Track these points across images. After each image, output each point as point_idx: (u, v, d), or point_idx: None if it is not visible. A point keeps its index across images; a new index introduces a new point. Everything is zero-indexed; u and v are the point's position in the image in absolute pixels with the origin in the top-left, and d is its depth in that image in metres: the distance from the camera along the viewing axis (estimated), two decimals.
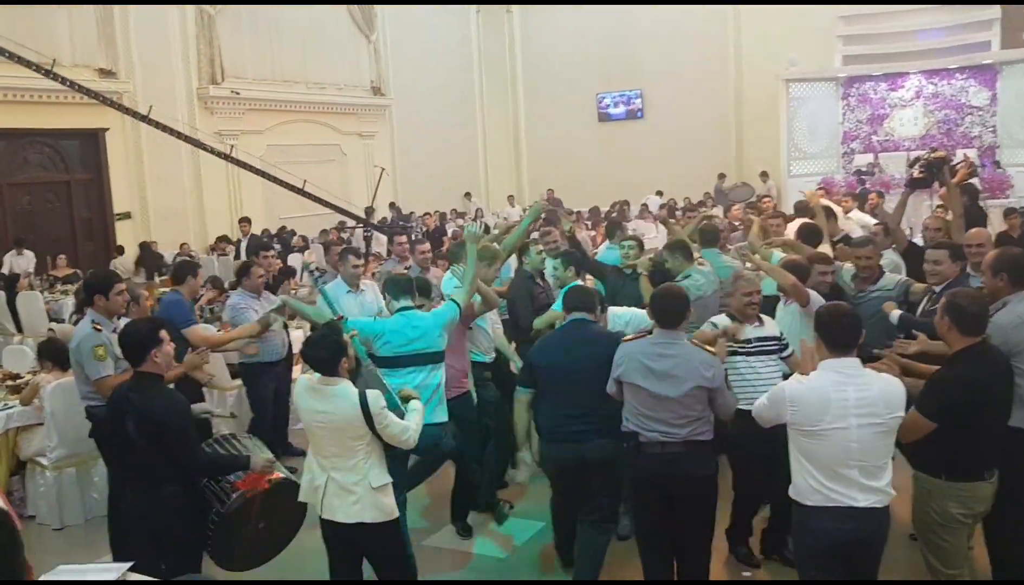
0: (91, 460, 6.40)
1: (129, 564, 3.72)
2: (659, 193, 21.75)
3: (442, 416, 5.05)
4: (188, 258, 13.87)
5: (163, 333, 4.28)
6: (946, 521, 3.98)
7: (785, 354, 5.02)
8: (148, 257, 16.32)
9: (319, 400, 4.03)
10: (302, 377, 4.19)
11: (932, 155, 7.57)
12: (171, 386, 5.07)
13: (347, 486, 4.02)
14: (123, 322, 5.32)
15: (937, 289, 5.29)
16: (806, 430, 3.67)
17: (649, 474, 4.30)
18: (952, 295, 4.11)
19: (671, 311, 4.35)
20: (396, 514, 4.14)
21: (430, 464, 5.56)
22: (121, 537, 5.18)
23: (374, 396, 3.99)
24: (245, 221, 15.59)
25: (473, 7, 25.93)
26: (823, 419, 3.62)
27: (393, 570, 4.26)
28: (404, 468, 5.05)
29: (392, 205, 21.54)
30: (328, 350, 4.05)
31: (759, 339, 5.01)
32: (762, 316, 5.11)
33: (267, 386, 7.16)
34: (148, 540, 4.22)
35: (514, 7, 26.41)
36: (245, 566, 4.37)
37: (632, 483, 4.50)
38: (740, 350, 4.95)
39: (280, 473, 4.45)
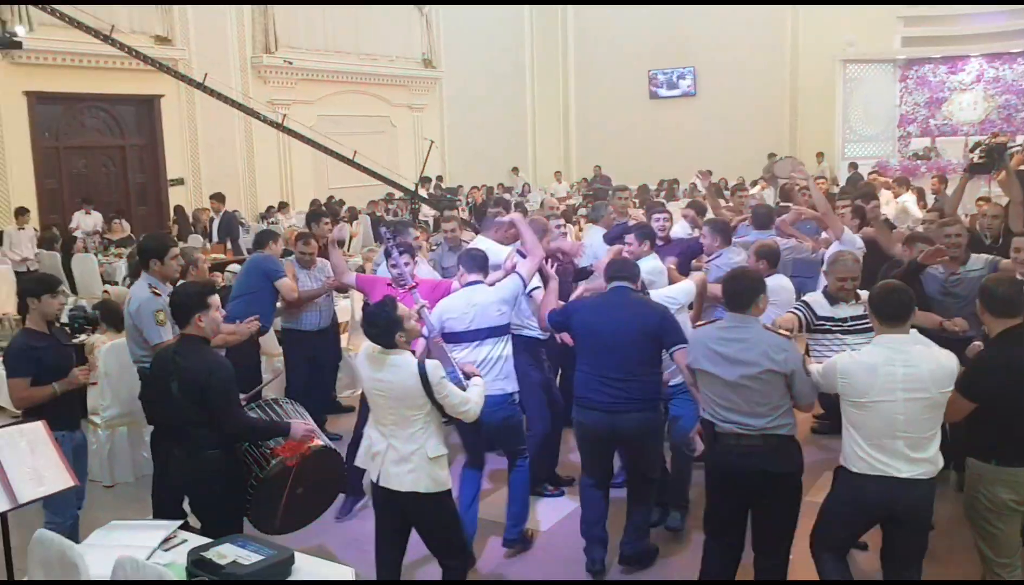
0: (142, 420, 6.50)
1: (180, 522, 3.82)
2: (708, 172, 21.47)
3: (511, 386, 5.12)
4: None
5: (212, 299, 4.33)
6: (996, 507, 3.97)
7: None
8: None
9: (379, 369, 4.06)
10: (366, 344, 4.21)
11: (993, 140, 7.41)
12: (222, 350, 5.22)
13: (405, 455, 4.06)
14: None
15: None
16: (854, 401, 3.82)
17: (723, 466, 4.15)
18: (985, 279, 4.24)
19: (741, 293, 4.18)
20: (448, 485, 4.16)
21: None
22: (161, 496, 5.32)
23: (433, 365, 4.01)
24: (217, 198, 14.31)
25: None
26: (870, 392, 3.75)
27: (441, 541, 4.28)
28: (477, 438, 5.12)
29: (438, 179, 21.52)
30: (380, 325, 4.07)
31: (855, 317, 4.99)
32: (859, 292, 5.01)
33: (301, 354, 7.22)
34: (191, 501, 4.35)
35: None
36: (283, 530, 4.42)
37: (708, 474, 4.33)
38: (834, 328, 4.96)
39: (320, 441, 4.49)
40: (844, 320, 5.01)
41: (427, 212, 17.35)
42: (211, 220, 14.48)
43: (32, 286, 4.87)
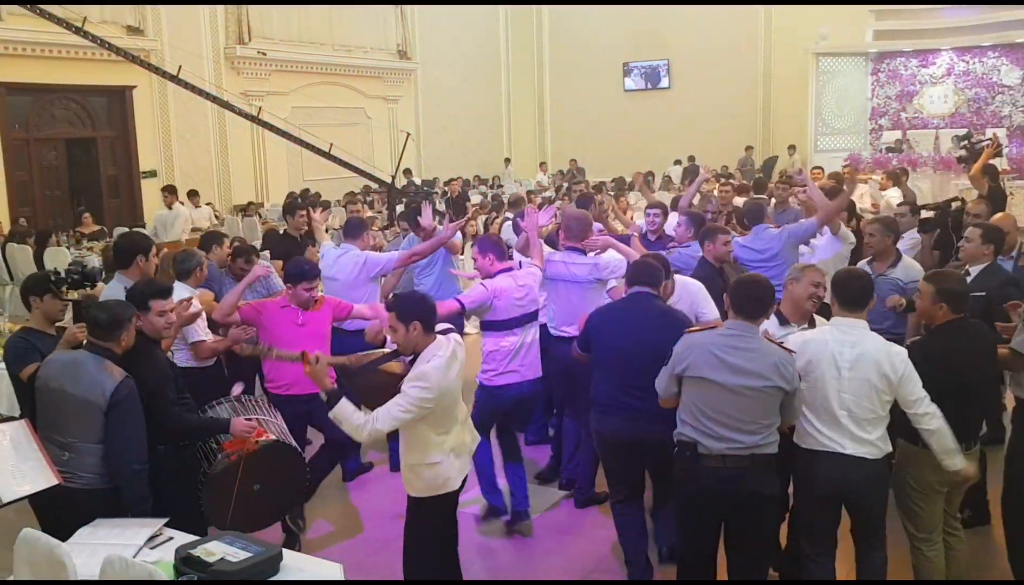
0: None
1: (165, 519, 3.80)
2: (678, 162, 21.62)
3: (540, 371, 5.33)
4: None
5: (155, 303, 4.30)
6: (921, 488, 4.14)
7: None
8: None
9: (455, 363, 4.04)
10: (435, 364, 3.97)
11: (980, 141, 7.57)
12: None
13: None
14: None
15: (971, 270, 5.27)
16: (804, 375, 3.90)
17: (706, 489, 3.86)
18: (932, 274, 4.32)
19: (754, 299, 3.93)
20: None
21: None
22: None
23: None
24: (169, 190, 14.04)
25: None
26: (818, 366, 3.89)
27: None
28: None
29: (407, 172, 21.38)
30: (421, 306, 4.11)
31: None
32: (816, 316, 4.55)
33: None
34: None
35: None
36: (244, 528, 4.34)
37: (684, 497, 4.04)
38: None
39: (271, 434, 4.46)
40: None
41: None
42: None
43: (33, 284, 4.74)
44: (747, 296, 3.94)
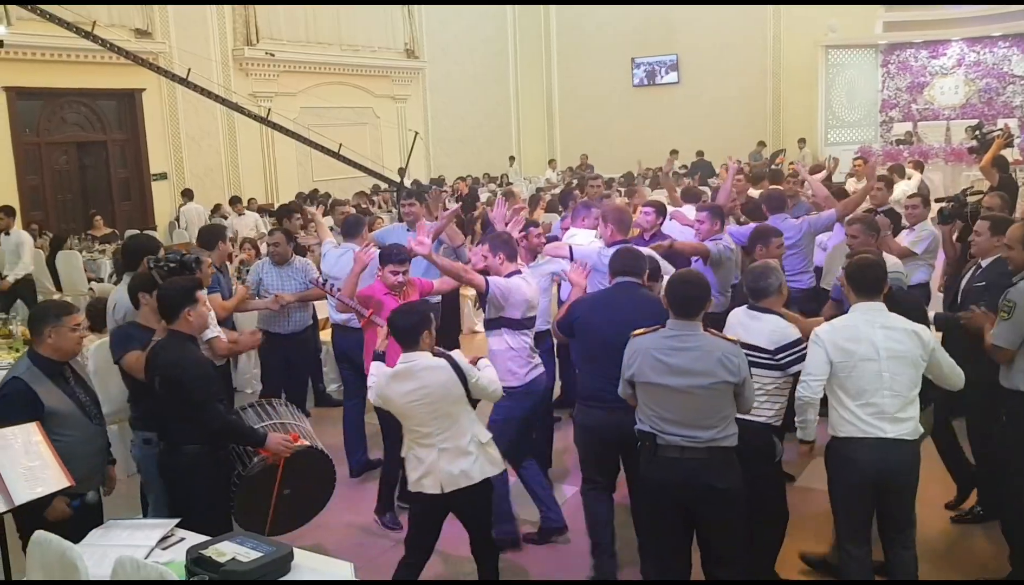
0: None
1: (177, 520, 3.82)
2: (675, 152, 21.41)
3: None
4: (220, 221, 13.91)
5: (199, 294, 4.36)
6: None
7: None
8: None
9: (407, 381, 4.03)
10: (381, 368, 4.18)
11: (990, 131, 7.53)
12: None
13: (462, 448, 4.07)
14: None
15: (983, 263, 5.25)
16: (840, 364, 3.94)
17: (664, 482, 3.87)
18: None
19: (690, 298, 3.88)
20: (503, 464, 4.34)
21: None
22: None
23: (458, 355, 4.15)
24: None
25: None
26: (855, 353, 3.92)
27: (485, 525, 4.32)
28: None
29: (400, 171, 20.89)
30: (413, 319, 4.11)
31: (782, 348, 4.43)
32: (785, 309, 4.52)
33: (274, 356, 6.99)
34: (171, 497, 4.37)
35: None
36: (273, 531, 4.39)
37: (643, 487, 4.10)
38: (761, 360, 4.34)
39: (305, 441, 4.50)
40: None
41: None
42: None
43: (141, 282, 4.77)
44: (682, 295, 3.91)
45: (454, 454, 4.06)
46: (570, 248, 5.86)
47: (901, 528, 4.08)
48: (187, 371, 4.13)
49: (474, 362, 4.32)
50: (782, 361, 4.22)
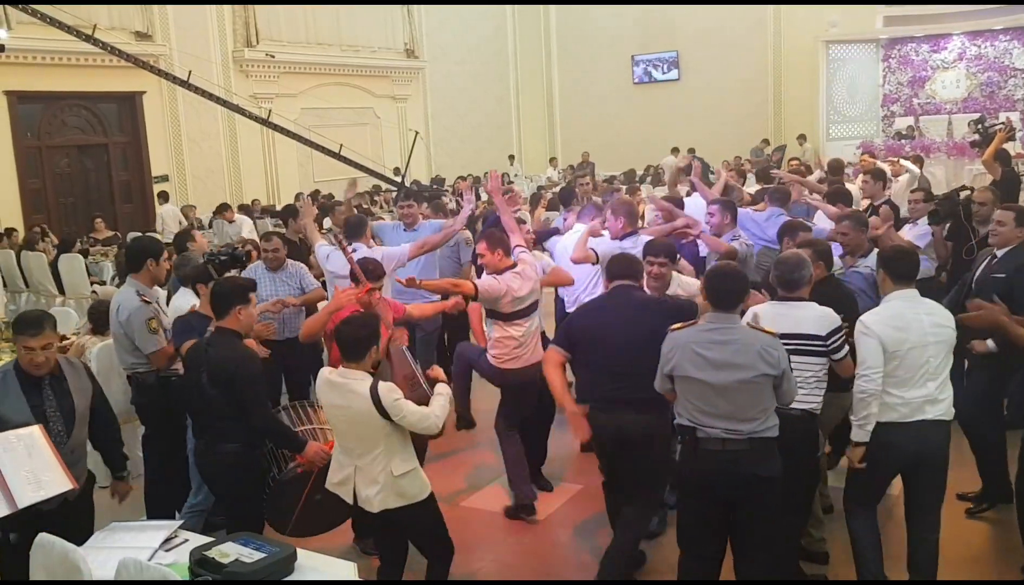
0: (134, 419, 6.50)
1: (180, 521, 3.82)
2: (675, 150, 21.43)
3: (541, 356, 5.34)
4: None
5: (253, 295, 4.41)
6: None
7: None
8: None
9: (336, 394, 3.98)
10: (323, 370, 4.15)
11: (992, 125, 7.51)
12: None
13: (373, 476, 3.96)
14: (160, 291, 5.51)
15: (998, 253, 5.25)
16: (892, 352, 3.99)
17: (707, 475, 3.84)
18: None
19: (729, 291, 3.88)
20: (422, 496, 4.05)
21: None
22: (154, 496, 5.39)
23: (386, 389, 3.90)
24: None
25: None
26: (906, 341, 4.00)
27: (434, 543, 4.22)
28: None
29: (395, 170, 19.78)
30: (361, 333, 4.01)
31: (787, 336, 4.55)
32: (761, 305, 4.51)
33: (272, 364, 6.78)
34: (214, 494, 4.46)
35: None
36: (300, 533, 4.42)
37: (684, 483, 4.07)
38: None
39: None
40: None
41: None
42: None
43: (196, 274, 4.95)
44: (721, 289, 3.91)
45: (366, 477, 3.98)
46: (594, 252, 6.03)
47: (930, 508, 4.17)
48: (240, 367, 4.15)
49: (433, 384, 4.32)
50: (831, 346, 4.20)
